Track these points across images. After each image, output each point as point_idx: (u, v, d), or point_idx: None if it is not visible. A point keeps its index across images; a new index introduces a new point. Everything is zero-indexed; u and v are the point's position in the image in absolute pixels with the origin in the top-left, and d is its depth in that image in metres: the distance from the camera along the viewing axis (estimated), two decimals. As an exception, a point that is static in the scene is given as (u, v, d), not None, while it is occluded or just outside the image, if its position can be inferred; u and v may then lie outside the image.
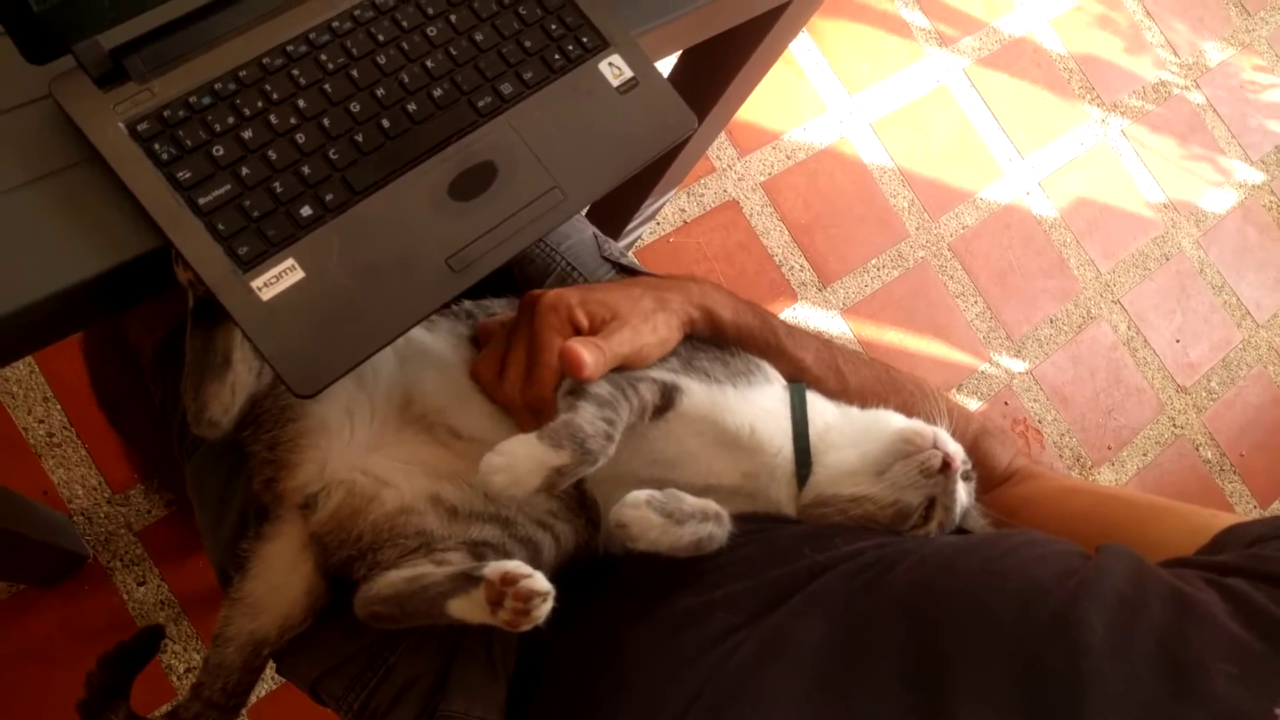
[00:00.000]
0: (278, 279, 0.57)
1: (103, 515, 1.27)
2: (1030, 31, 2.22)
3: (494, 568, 0.53)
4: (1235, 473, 2.07)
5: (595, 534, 0.67)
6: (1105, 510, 0.66)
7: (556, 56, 0.68)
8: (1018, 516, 0.68)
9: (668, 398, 0.62)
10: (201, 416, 0.60)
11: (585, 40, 0.69)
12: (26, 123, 0.57)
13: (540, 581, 0.52)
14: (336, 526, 0.61)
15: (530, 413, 0.64)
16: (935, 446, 0.62)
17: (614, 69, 0.69)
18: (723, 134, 1.84)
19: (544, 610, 0.52)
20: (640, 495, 0.57)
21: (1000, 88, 2.13)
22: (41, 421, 1.27)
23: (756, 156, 1.86)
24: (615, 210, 1.37)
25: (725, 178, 1.81)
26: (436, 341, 0.69)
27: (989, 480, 0.73)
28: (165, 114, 0.58)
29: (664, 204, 1.58)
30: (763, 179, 1.85)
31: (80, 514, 1.26)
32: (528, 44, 0.67)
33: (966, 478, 0.66)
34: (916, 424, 0.65)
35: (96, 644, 1.22)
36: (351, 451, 0.64)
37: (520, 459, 0.55)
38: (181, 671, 1.24)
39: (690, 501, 0.58)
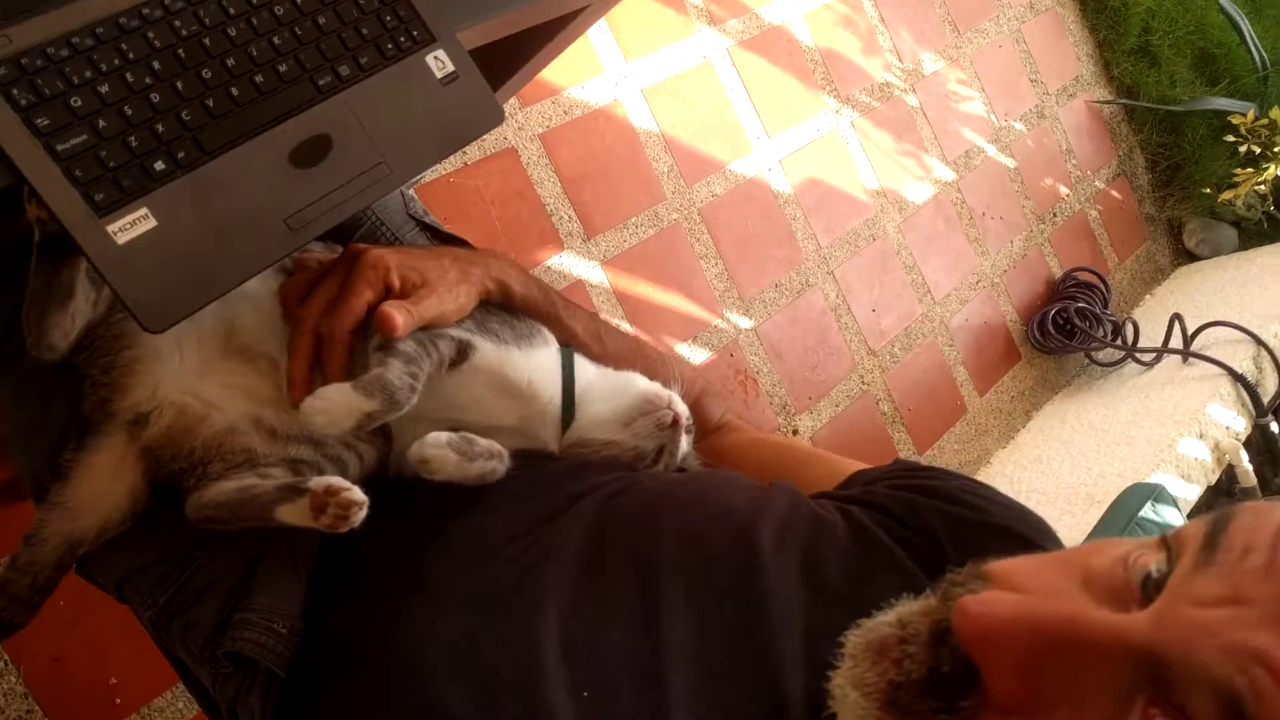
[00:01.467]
0: (132, 225, 0.64)
1: None
2: (786, 21, 2.48)
3: (318, 481, 0.65)
4: (903, 424, 2.52)
5: (389, 455, 0.80)
6: (780, 457, 0.90)
7: (389, 46, 0.77)
8: (721, 459, 0.90)
9: (463, 353, 0.76)
10: (42, 341, 0.66)
11: (415, 34, 0.79)
12: (-123, 52, 0.59)
13: (358, 493, 0.65)
14: (169, 442, 0.70)
15: (312, 337, 0.74)
16: (669, 407, 0.81)
17: (438, 62, 0.80)
18: (507, 82, 1.94)
19: (360, 517, 0.65)
20: (441, 436, 0.71)
21: (757, 70, 2.38)
22: None
23: (537, 109, 1.98)
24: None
25: (506, 126, 1.92)
26: (259, 283, 0.78)
27: (704, 430, 0.94)
28: (23, 61, 0.62)
29: (449, 147, 1.66)
30: (540, 130, 1.97)
31: None
32: (364, 32, 0.76)
33: (689, 431, 0.85)
34: (656, 387, 0.83)
35: None
36: (181, 377, 0.72)
37: (337, 404, 0.67)
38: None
39: (480, 443, 0.73)
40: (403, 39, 0.78)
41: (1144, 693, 0.40)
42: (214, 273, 0.68)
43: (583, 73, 2.06)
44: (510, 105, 1.93)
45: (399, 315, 0.71)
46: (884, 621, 0.51)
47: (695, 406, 0.91)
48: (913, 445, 2.50)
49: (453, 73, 0.81)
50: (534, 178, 1.94)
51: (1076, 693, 0.42)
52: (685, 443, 0.84)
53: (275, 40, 0.72)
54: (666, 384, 0.84)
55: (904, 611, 0.51)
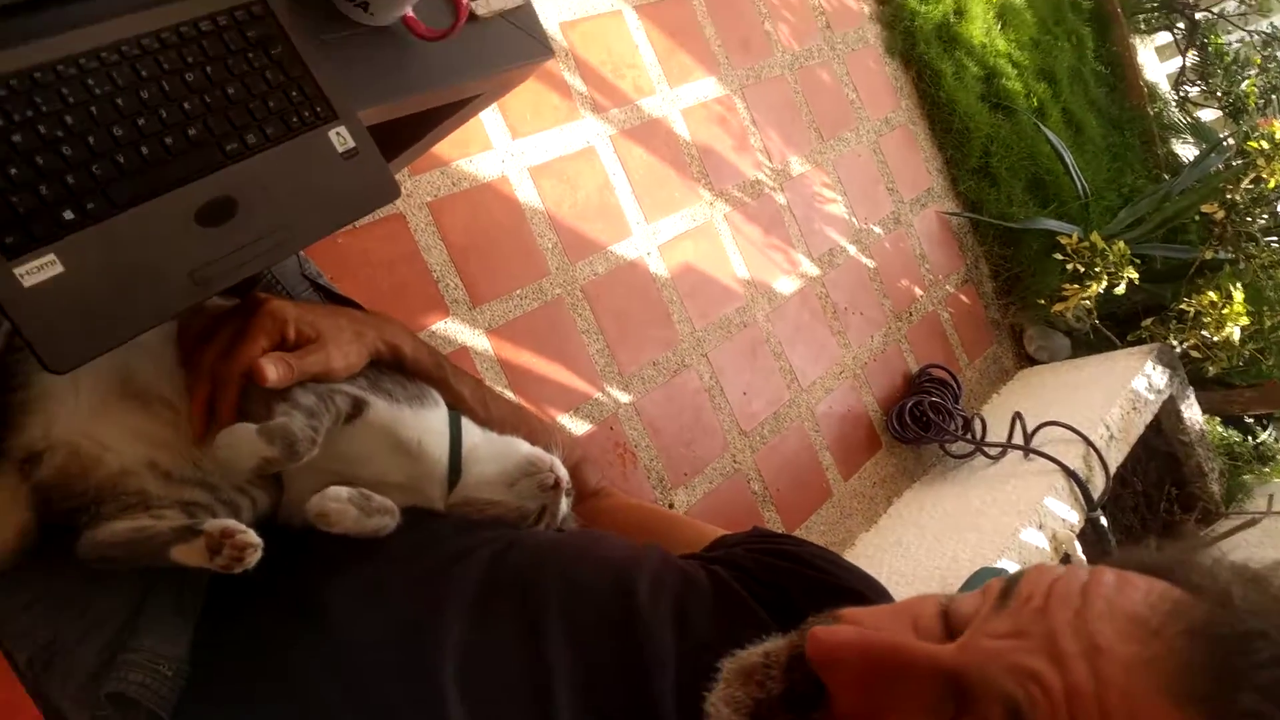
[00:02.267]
0: (39, 269, 0.67)
1: None
2: (666, 115, 2.65)
3: (214, 523, 0.68)
4: (773, 504, 2.64)
5: (280, 502, 0.83)
6: (651, 520, 0.99)
7: (294, 119, 0.83)
8: (596, 522, 0.97)
9: (358, 409, 0.80)
10: None
11: (319, 110, 0.85)
12: None
13: (253, 536, 0.68)
14: (62, 482, 0.71)
15: (208, 380, 0.77)
16: (551, 470, 0.87)
17: (340, 138, 0.86)
18: (399, 156, 2.00)
19: (255, 558, 0.68)
20: (341, 492, 0.75)
21: (637, 159, 2.53)
22: None
23: (426, 178, 2.05)
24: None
25: (396, 196, 1.98)
26: (157, 332, 0.81)
27: (581, 494, 1.00)
28: (-64, 109, 0.65)
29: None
30: (429, 199, 2.04)
31: None
32: (271, 104, 0.82)
33: (569, 494, 0.91)
34: (539, 451, 0.89)
35: None
36: (76, 418, 0.74)
37: (242, 444, 0.71)
38: None
39: (376, 499, 0.78)
40: (307, 114, 0.85)
41: (950, 708, 0.51)
42: (118, 319, 0.71)
43: (472, 146, 2.15)
44: (401, 173, 2.00)
45: (270, 369, 0.75)
46: (753, 652, 0.61)
47: (574, 472, 0.98)
48: (782, 524, 2.62)
49: (353, 149, 0.87)
50: (421, 244, 2.00)
51: (900, 707, 0.52)
52: (565, 504, 0.90)
53: (185, 105, 0.77)
54: (548, 449, 0.90)
55: (769, 646, 0.61)
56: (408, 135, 1.21)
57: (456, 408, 0.91)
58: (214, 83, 0.79)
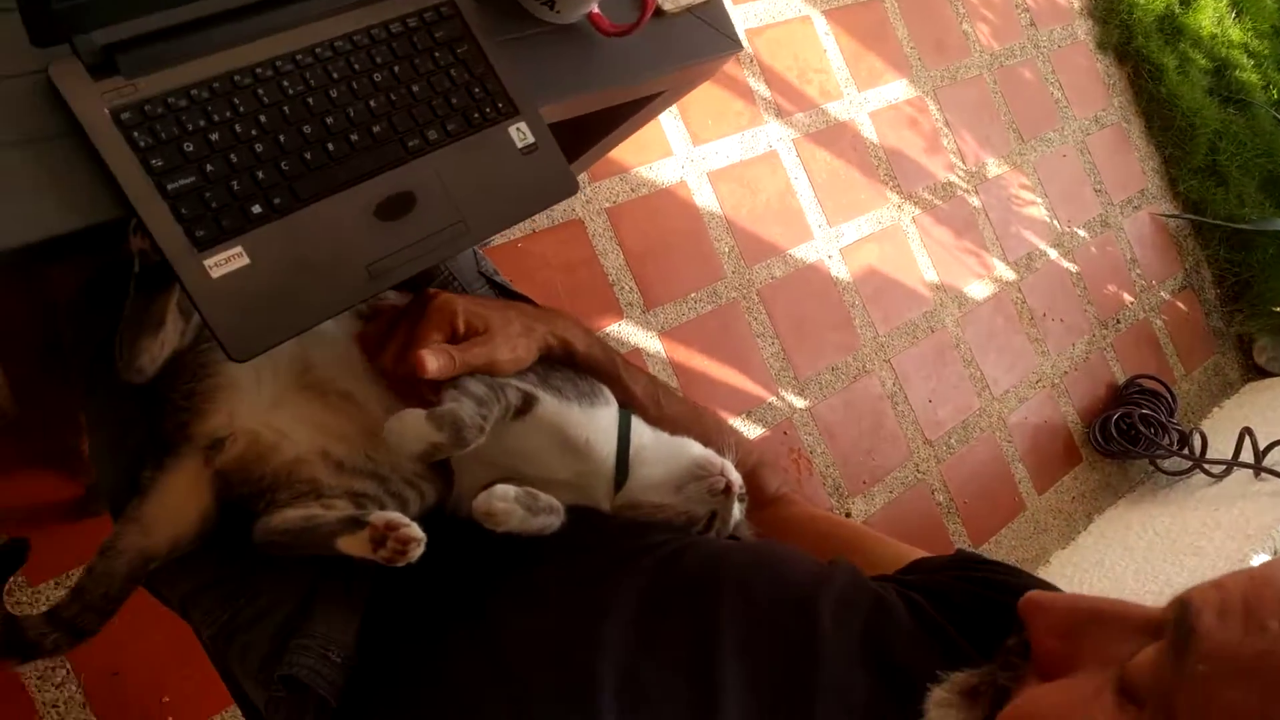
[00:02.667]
0: (227, 261, 0.69)
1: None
2: (853, 118, 2.54)
3: (379, 516, 0.68)
4: (959, 516, 2.47)
5: (449, 494, 0.82)
6: (839, 534, 0.90)
7: (475, 115, 0.83)
8: (776, 532, 0.90)
9: (528, 404, 0.79)
10: (132, 365, 0.71)
11: (500, 105, 0.84)
12: (22, 91, 0.66)
13: (416, 530, 0.68)
14: (241, 467, 0.74)
15: (398, 380, 0.78)
16: (721, 474, 0.82)
17: (520, 133, 0.85)
18: (579, 159, 2.02)
19: (417, 553, 0.68)
20: (509, 490, 0.73)
21: (821, 162, 2.44)
22: None
23: (605, 185, 2.05)
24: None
25: (575, 198, 1.99)
26: (335, 323, 0.83)
27: (759, 501, 0.94)
28: (146, 108, 0.68)
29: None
30: (608, 205, 2.04)
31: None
32: (453, 101, 0.82)
33: (742, 499, 0.85)
34: (709, 453, 0.84)
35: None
36: (256, 407, 0.76)
37: (410, 428, 0.70)
38: None
39: (543, 498, 0.75)
40: (488, 110, 0.84)
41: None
42: (298, 310, 0.72)
43: (652, 153, 2.13)
44: (580, 179, 2.01)
45: (430, 359, 0.73)
46: (968, 673, 0.57)
47: (750, 477, 0.92)
48: (968, 537, 2.45)
49: (532, 144, 0.86)
50: (599, 249, 2.00)
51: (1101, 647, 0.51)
52: (738, 510, 0.85)
53: (371, 103, 0.78)
54: (721, 452, 0.85)
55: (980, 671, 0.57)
56: (588, 135, 1.20)
57: (628, 406, 0.88)
58: (400, 81, 0.80)
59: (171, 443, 0.76)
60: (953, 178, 2.73)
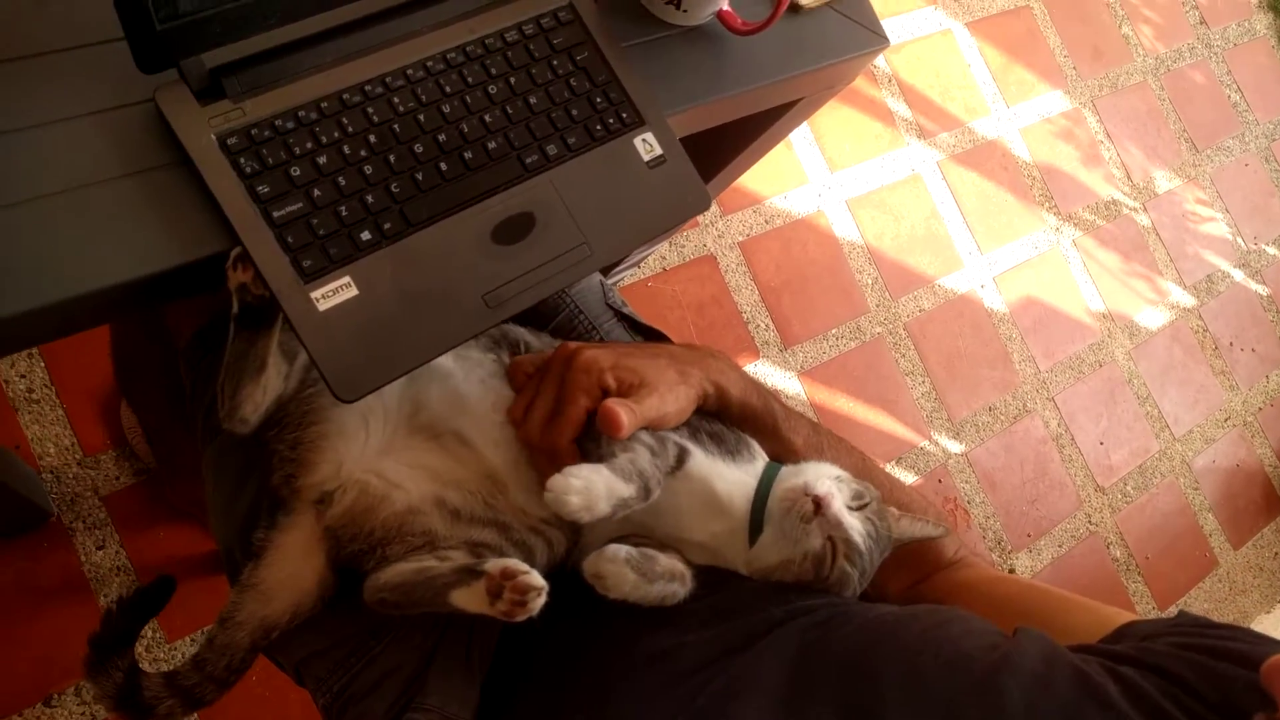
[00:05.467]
0: (334, 293, 0.64)
1: (71, 476, 1.30)
2: (1002, 136, 2.37)
3: (495, 563, 0.60)
4: (1139, 574, 2.21)
5: (576, 546, 0.74)
6: (1026, 598, 0.76)
7: (598, 127, 0.76)
8: (952, 598, 0.76)
9: (680, 458, 0.70)
10: (235, 413, 0.66)
11: (624, 116, 0.77)
12: (129, 122, 0.63)
13: (536, 578, 0.59)
14: (350, 522, 0.67)
15: (544, 453, 0.70)
16: (805, 493, 0.70)
17: (646, 145, 0.77)
18: (710, 192, 1.94)
19: (538, 604, 0.59)
20: (620, 552, 0.64)
21: (969, 184, 2.28)
22: (23, 376, 1.30)
23: (738, 217, 1.96)
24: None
25: (706, 233, 1.91)
26: (450, 359, 0.76)
27: (936, 563, 0.81)
28: (253, 132, 0.64)
29: (652, 251, 1.67)
30: (741, 239, 1.95)
31: (49, 472, 1.29)
32: (574, 112, 0.75)
33: (862, 506, 0.72)
34: (792, 480, 0.72)
35: (47, 601, 1.25)
36: (366, 455, 0.70)
37: (597, 486, 0.61)
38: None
39: (662, 561, 0.66)
40: (611, 121, 0.76)
41: None
42: (409, 345, 0.66)
43: (786, 182, 2.03)
44: (711, 213, 1.93)
45: (624, 414, 0.66)
46: None
47: (928, 546, 0.80)
48: (1151, 598, 2.19)
49: (660, 156, 0.78)
50: (731, 285, 1.91)
51: None
52: (859, 521, 0.70)
53: (486, 118, 0.72)
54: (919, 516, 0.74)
55: None
56: (720, 155, 1.11)
57: (785, 459, 0.77)
58: (516, 93, 0.74)
59: (282, 499, 0.71)
60: (1117, 195, 2.50)
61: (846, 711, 0.55)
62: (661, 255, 1.85)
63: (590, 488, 0.60)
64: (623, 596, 0.64)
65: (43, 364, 1.31)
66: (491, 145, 0.71)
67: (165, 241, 0.62)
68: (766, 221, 1.99)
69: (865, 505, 0.72)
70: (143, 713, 0.70)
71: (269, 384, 0.66)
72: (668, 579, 0.65)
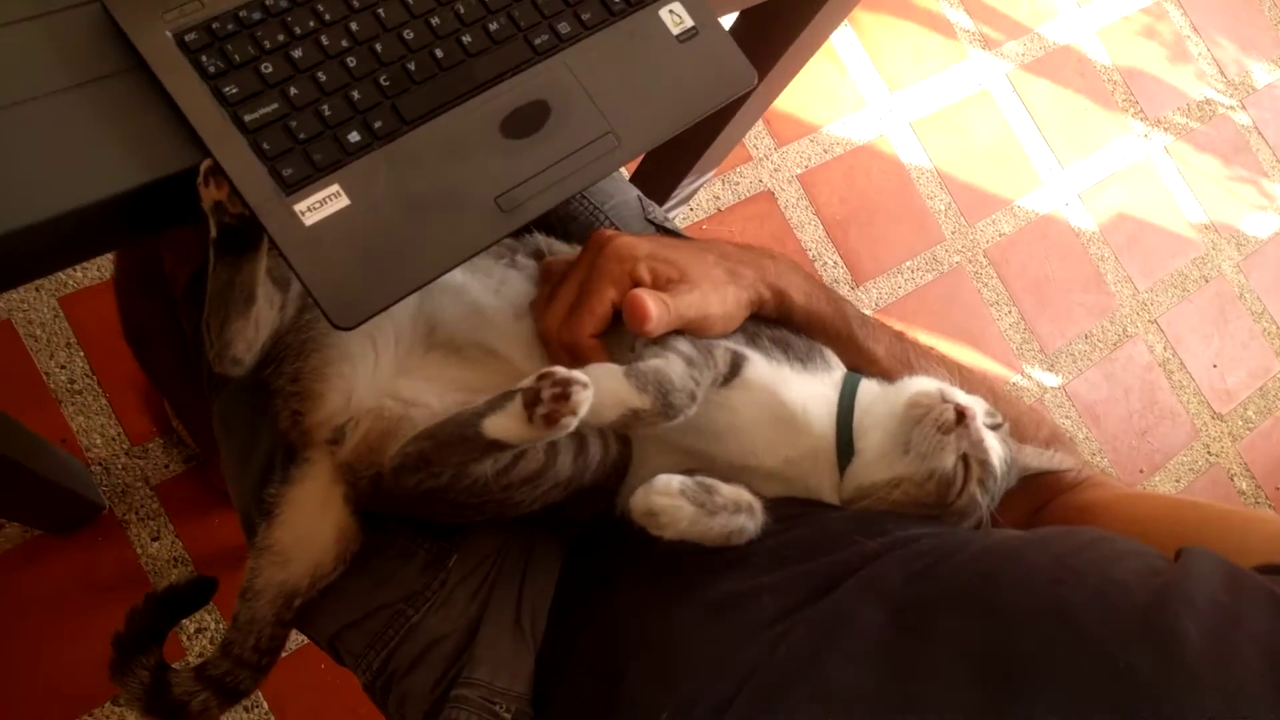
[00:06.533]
0: (321, 204, 0.55)
1: (120, 467, 1.25)
2: (1076, 40, 2.18)
3: (532, 375, 0.52)
4: (1269, 504, 2.02)
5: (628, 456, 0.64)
6: (1180, 514, 0.62)
7: (615, 0, 0.65)
8: (1084, 522, 0.63)
9: (734, 368, 0.60)
10: (225, 354, 0.58)
11: (646, -15, 0.66)
12: (73, 26, 0.55)
13: (579, 373, 0.50)
14: (366, 451, 0.59)
15: (563, 350, 0.62)
16: (944, 400, 0.59)
17: (674, 16, 0.67)
18: (760, 122, 1.82)
19: (585, 397, 0.50)
20: (672, 482, 0.54)
21: (1043, 95, 2.10)
22: (63, 367, 1.26)
23: (794, 148, 1.83)
24: (654, 187, 1.35)
25: (761, 167, 1.79)
26: (465, 273, 0.67)
27: (1056, 486, 0.69)
28: (214, 26, 0.55)
29: (700, 186, 1.55)
30: (799, 171, 1.82)
31: (98, 464, 1.25)
32: (588, -16, 0.65)
33: (995, 427, 0.62)
34: (922, 384, 0.62)
35: (106, 597, 1.21)
36: (378, 378, 0.61)
37: (603, 390, 0.53)
38: (191, 631, 1.22)
39: (724, 491, 0.56)
40: (632, -9, 0.66)
41: None
42: (415, 260, 0.56)
43: (842, 108, 1.89)
44: (765, 145, 1.81)
45: (653, 305, 0.56)
46: None
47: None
48: (1281, 529, 2.00)
49: (691, 28, 0.67)
50: (793, 221, 1.78)
51: None
52: (998, 442, 0.61)
53: (486, -3, 0.62)
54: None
55: None
56: (768, 43, 0.99)
57: (864, 371, 0.66)
58: (518, -33, 0.64)
59: (292, 444, 0.63)
60: (1210, 93, 2.29)
61: (970, 659, 0.44)
62: (714, 195, 1.74)
63: (596, 390, 0.51)
64: (680, 535, 0.54)
65: (82, 353, 1.27)
66: (493, 26, 0.61)
67: (125, 159, 0.53)
68: (825, 151, 1.86)
69: (998, 426, 0.61)
70: (175, 713, 0.63)
71: (260, 317, 0.58)
72: (732, 510, 0.55)
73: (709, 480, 0.56)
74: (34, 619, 1.18)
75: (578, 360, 0.59)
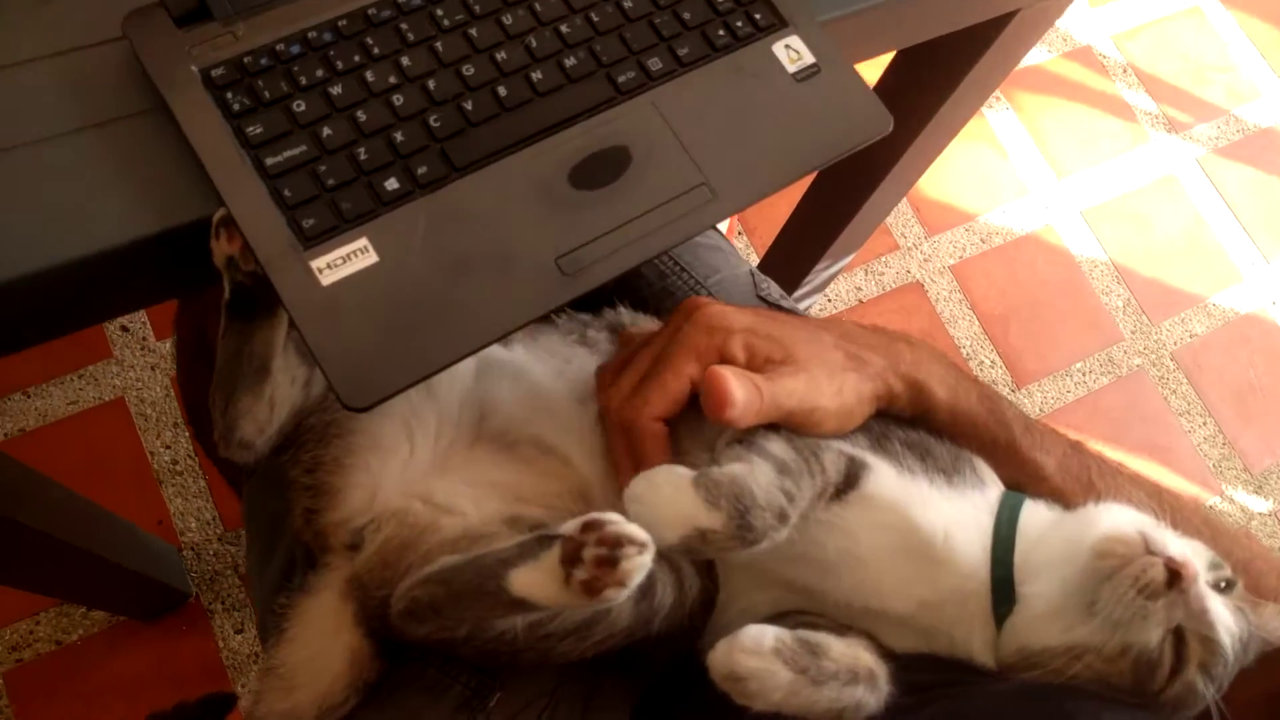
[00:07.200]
0: (344, 261, 0.46)
1: (212, 553, 1.21)
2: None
3: (574, 521, 0.39)
4: None
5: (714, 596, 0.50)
6: None
7: (721, 33, 0.55)
8: None
9: (852, 477, 0.46)
10: (231, 436, 0.49)
11: (758, 17, 0.55)
12: (96, 64, 0.49)
13: (637, 531, 0.38)
14: (380, 566, 0.48)
15: (619, 430, 0.50)
16: (1149, 551, 0.43)
17: (791, 52, 0.55)
18: (908, 209, 1.67)
19: (639, 565, 0.37)
20: (765, 638, 0.40)
21: (1242, 181, 1.86)
22: (168, 448, 1.24)
23: (946, 237, 1.67)
24: (782, 272, 1.23)
25: (910, 257, 1.64)
26: (525, 355, 0.56)
27: None
28: (246, 61, 0.48)
29: (837, 272, 1.42)
30: (952, 262, 1.66)
31: (190, 548, 1.20)
32: (686, 16, 0.55)
33: (1225, 587, 0.46)
34: (1114, 519, 0.46)
35: (183, 690, 1.15)
36: (409, 475, 0.51)
37: (663, 501, 0.41)
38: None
39: (834, 653, 0.42)
40: (740, 24, 0.55)
41: None
42: (451, 329, 0.46)
43: (1001, 195, 1.73)
44: (914, 234, 1.66)
45: (739, 389, 0.44)
46: None
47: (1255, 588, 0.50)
48: None
49: (812, 65, 0.55)
50: (944, 315, 1.61)
51: None
52: (1227, 611, 0.44)
53: (563, 29, 0.53)
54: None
55: None
56: (912, 111, 0.87)
57: (1028, 489, 0.51)
58: (604, -2, 0.54)
59: (308, 548, 0.53)
60: None
61: None
62: (856, 285, 1.59)
63: (655, 498, 0.39)
64: (774, 707, 0.40)
65: (186, 434, 1.25)
66: (570, 62, 0.52)
67: (136, 206, 0.47)
68: (982, 240, 1.69)
69: (1229, 585, 0.45)
70: None
71: (277, 394, 0.49)
72: (845, 680, 0.40)
73: (815, 637, 0.42)
74: (111, 708, 1.12)
75: (634, 447, 0.47)
